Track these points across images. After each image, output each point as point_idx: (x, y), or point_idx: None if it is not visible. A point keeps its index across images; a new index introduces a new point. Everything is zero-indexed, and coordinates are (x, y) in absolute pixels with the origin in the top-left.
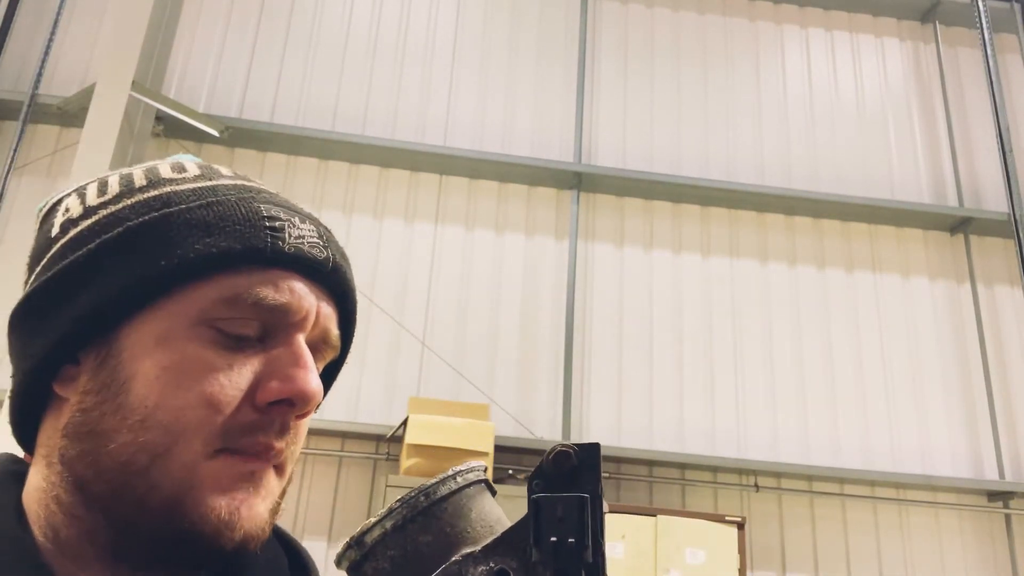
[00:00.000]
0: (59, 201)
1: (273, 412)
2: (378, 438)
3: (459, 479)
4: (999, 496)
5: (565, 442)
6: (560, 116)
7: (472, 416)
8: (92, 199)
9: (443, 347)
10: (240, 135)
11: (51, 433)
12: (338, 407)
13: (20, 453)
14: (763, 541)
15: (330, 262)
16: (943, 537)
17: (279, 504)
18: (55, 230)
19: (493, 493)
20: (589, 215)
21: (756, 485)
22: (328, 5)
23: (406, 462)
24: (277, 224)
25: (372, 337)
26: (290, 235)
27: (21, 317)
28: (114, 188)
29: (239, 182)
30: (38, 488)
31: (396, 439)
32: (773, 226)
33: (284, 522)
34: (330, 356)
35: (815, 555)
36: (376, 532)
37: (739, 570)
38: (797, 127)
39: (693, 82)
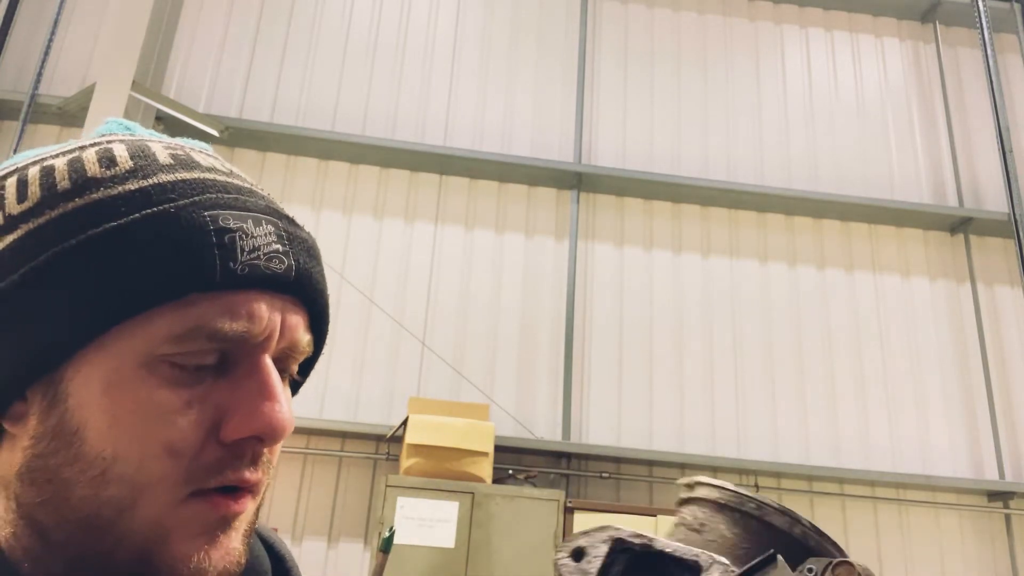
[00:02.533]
0: None
1: (241, 446)
2: (378, 438)
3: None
4: (999, 496)
5: (852, 561)
6: (560, 116)
7: (472, 416)
8: (12, 204)
9: (443, 347)
10: (240, 135)
11: (5, 467)
12: (338, 407)
13: None
14: None
15: (292, 271)
16: (943, 537)
17: (252, 526)
18: None
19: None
20: (589, 215)
21: (756, 485)
22: (328, 5)
23: (406, 462)
24: (227, 238)
25: (372, 337)
26: (243, 250)
27: None
28: (35, 191)
29: (180, 176)
30: None
31: (396, 439)
32: (773, 226)
33: (284, 522)
34: (302, 358)
35: None
36: (712, 492)
37: None
38: (797, 127)
39: (693, 82)
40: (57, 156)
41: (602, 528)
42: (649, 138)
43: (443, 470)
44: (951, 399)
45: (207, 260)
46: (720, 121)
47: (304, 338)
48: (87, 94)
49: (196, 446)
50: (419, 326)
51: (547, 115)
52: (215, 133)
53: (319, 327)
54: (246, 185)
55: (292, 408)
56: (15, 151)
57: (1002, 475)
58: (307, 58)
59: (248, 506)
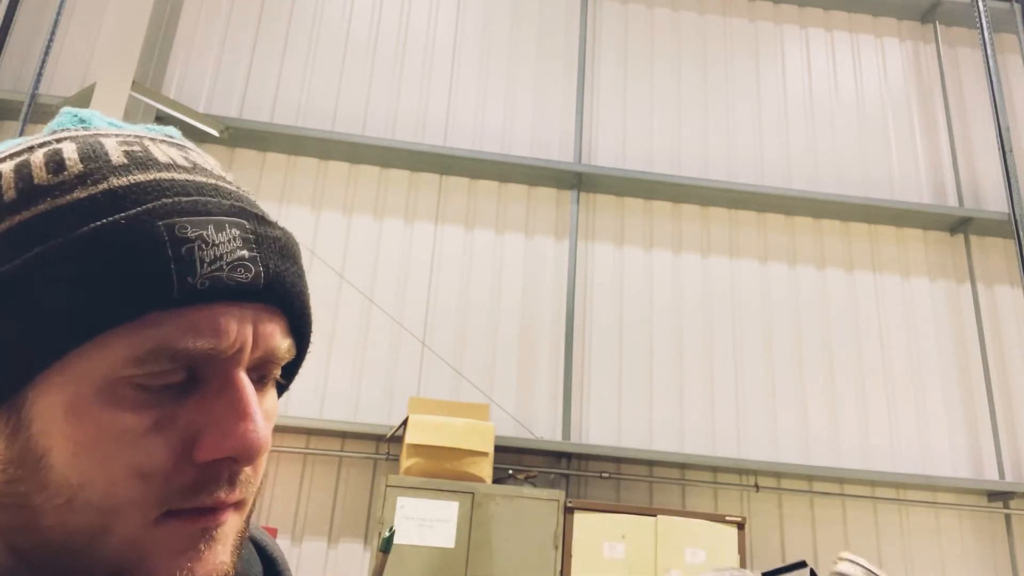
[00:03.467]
0: None
1: (216, 468)
2: (378, 438)
3: None
4: (999, 496)
5: (855, 559)
6: (560, 116)
7: (472, 416)
8: None
9: (443, 347)
10: (240, 135)
11: None
12: (338, 407)
13: None
14: (763, 541)
15: (261, 278)
16: (943, 537)
17: (242, 539)
18: None
19: None
20: (589, 215)
21: (756, 485)
22: (328, 5)
23: (406, 462)
24: (184, 250)
25: (372, 337)
26: (202, 261)
27: None
28: None
29: (134, 178)
30: None
31: (396, 439)
32: (773, 226)
33: (284, 522)
34: (282, 363)
35: (815, 555)
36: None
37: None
38: (797, 127)
39: (693, 82)
40: (5, 160)
41: (737, 570)
42: (649, 138)
43: (443, 470)
44: (951, 399)
45: (163, 276)
46: (720, 121)
47: (282, 344)
48: (87, 94)
49: (167, 468)
50: (419, 326)
51: (547, 115)
52: (215, 133)
53: (300, 329)
54: (210, 182)
55: (269, 427)
56: None
57: (1002, 475)
58: (307, 58)
59: (231, 519)
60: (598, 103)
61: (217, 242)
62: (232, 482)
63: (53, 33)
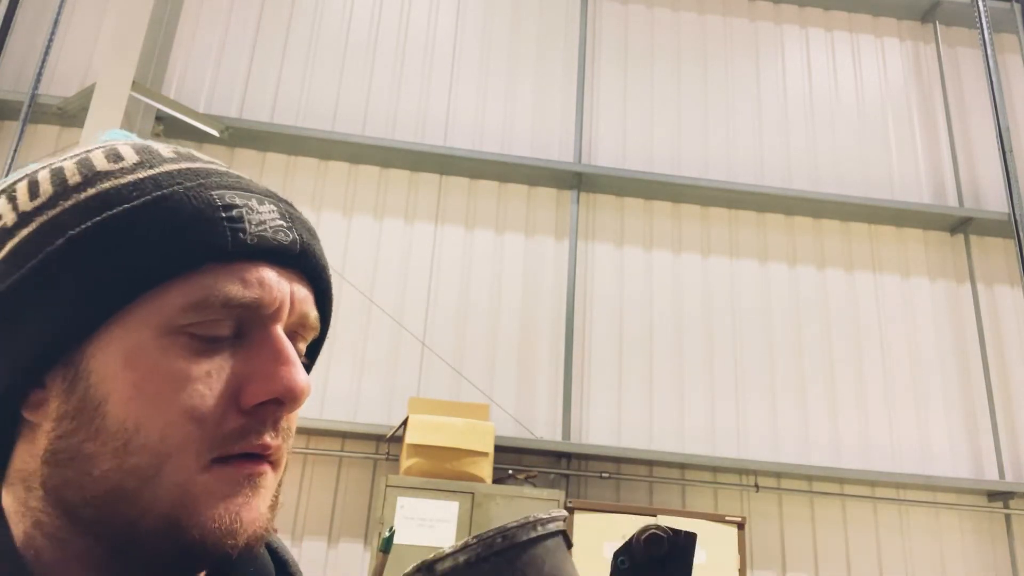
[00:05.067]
0: None
1: (262, 412)
2: (378, 438)
3: (540, 528)
4: (999, 496)
5: (659, 525)
6: (560, 116)
7: (472, 416)
8: (24, 203)
9: (443, 347)
10: (240, 135)
11: (26, 458)
12: (338, 407)
13: None
14: (763, 541)
15: (298, 244)
16: (943, 537)
17: (277, 498)
18: None
19: (569, 547)
20: (589, 215)
21: (756, 485)
22: (328, 5)
23: (406, 462)
24: (234, 212)
25: (372, 337)
26: (250, 223)
27: None
28: (46, 188)
29: (184, 165)
30: (15, 512)
31: (396, 439)
32: (773, 226)
33: (284, 522)
34: (311, 337)
35: (815, 555)
36: (447, 563)
37: (739, 570)
38: (797, 127)
39: (693, 82)
40: (64, 160)
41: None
42: (649, 138)
43: (443, 470)
44: (951, 399)
45: (218, 231)
46: (720, 121)
47: (312, 313)
48: (87, 94)
49: (218, 414)
50: (419, 326)
51: (547, 115)
52: (215, 133)
53: (324, 306)
54: (244, 176)
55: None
56: (15, 151)
57: (1002, 475)
58: (307, 58)
59: (270, 473)
60: (598, 103)
61: (260, 211)
62: (276, 426)
63: (53, 33)
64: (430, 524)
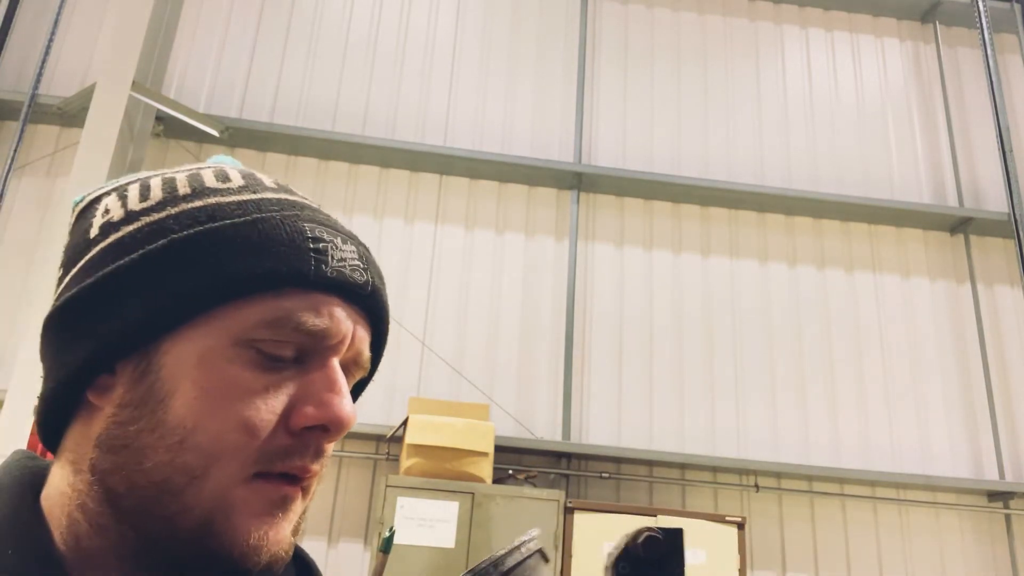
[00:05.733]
0: (98, 199)
1: (307, 436)
2: (378, 438)
3: (523, 549)
4: (999, 496)
5: (651, 526)
6: (560, 116)
7: (472, 416)
8: (134, 203)
9: (443, 347)
10: (240, 135)
11: (80, 440)
12: None
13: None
14: (763, 541)
15: (369, 285)
16: (943, 537)
17: (300, 525)
18: (94, 231)
19: (546, 561)
20: (589, 215)
21: (756, 485)
22: (328, 5)
23: (406, 462)
24: (321, 246)
25: None
26: (333, 258)
27: (58, 323)
28: (157, 194)
29: (283, 196)
30: (62, 493)
31: (396, 439)
32: (773, 226)
33: None
34: (359, 375)
35: (815, 555)
36: None
37: (739, 570)
38: (797, 127)
39: (693, 82)
40: (178, 172)
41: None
42: (649, 138)
43: (443, 470)
44: (951, 399)
45: (304, 260)
46: (720, 121)
47: (366, 353)
48: (87, 94)
49: (269, 429)
50: (419, 326)
51: (547, 115)
52: (215, 133)
53: (377, 349)
54: (332, 216)
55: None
56: (15, 151)
57: (1002, 475)
58: (307, 58)
59: (299, 501)
60: (598, 103)
61: (343, 249)
62: (318, 452)
63: (53, 33)
64: (430, 524)
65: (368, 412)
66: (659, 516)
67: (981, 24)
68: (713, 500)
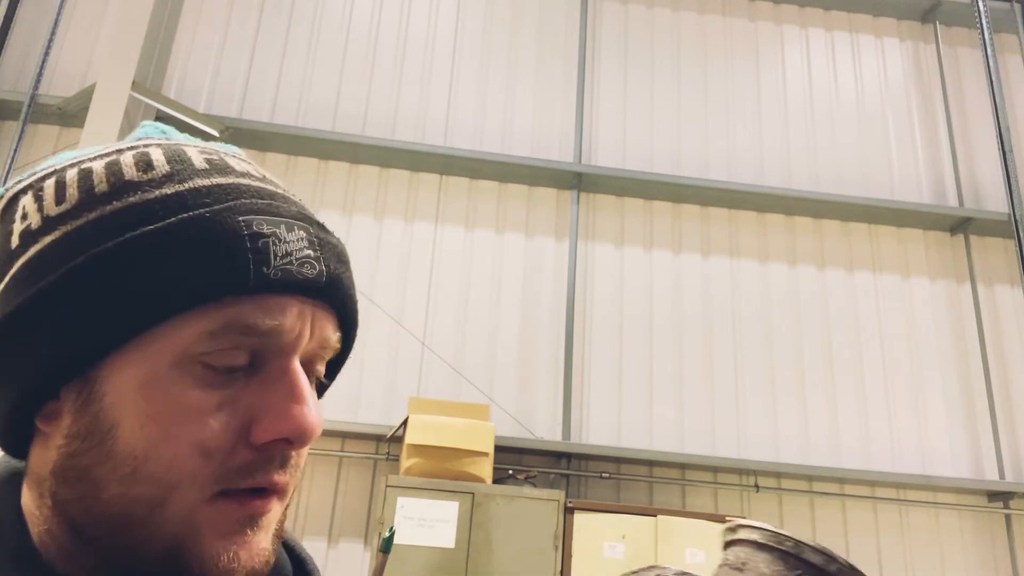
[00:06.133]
0: (16, 197)
1: (271, 449)
2: (378, 438)
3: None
4: (999, 496)
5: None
6: (560, 116)
7: (472, 416)
8: (50, 206)
9: (443, 347)
10: (240, 135)
11: (40, 464)
12: (338, 407)
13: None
14: None
15: (324, 276)
16: (943, 537)
17: (282, 526)
18: (15, 240)
19: None
20: (589, 215)
21: (756, 485)
22: (328, 5)
23: (406, 462)
24: (261, 243)
25: (372, 337)
26: (276, 255)
27: None
28: (72, 193)
29: (215, 181)
30: (31, 513)
31: (396, 439)
32: (773, 226)
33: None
34: (329, 356)
35: None
36: (753, 534)
37: None
38: (797, 127)
39: (693, 82)
40: (95, 159)
41: (650, 568)
42: (649, 138)
43: (443, 470)
44: (951, 399)
45: (241, 264)
46: (720, 121)
47: (333, 336)
48: (87, 94)
49: (227, 447)
50: (419, 326)
51: (547, 115)
52: (215, 133)
53: (348, 330)
54: (279, 191)
55: (320, 411)
56: (15, 151)
57: (1002, 475)
58: (307, 58)
59: (275, 507)
60: (598, 103)
61: (288, 240)
62: (284, 464)
63: (53, 33)
64: (430, 524)
65: (368, 412)
66: (659, 516)
67: (981, 24)
68: (713, 500)
